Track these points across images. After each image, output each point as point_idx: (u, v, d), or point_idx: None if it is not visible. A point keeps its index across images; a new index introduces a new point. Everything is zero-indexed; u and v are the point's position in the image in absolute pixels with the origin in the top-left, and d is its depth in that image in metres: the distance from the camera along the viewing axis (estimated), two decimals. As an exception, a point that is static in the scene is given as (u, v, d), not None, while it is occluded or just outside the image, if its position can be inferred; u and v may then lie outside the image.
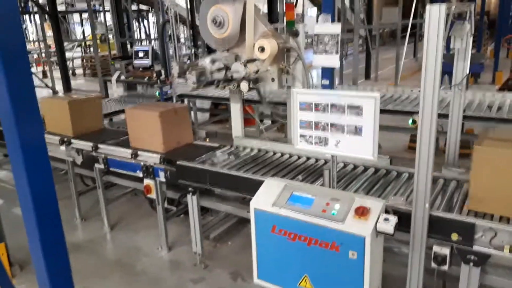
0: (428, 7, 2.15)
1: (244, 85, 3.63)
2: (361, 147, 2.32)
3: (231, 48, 3.80)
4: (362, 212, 2.20)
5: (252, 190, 2.97)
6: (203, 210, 4.28)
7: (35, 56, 19.00)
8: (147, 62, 7.96)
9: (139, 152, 3.85)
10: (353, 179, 3.15)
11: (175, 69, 3.97)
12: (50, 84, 11.66)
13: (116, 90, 8.49)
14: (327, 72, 3.67)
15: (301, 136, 2.55)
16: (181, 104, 3.96)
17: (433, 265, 2.42)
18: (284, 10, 3.28)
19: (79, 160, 4.38)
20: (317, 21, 3.68)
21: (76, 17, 26.66)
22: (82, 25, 22.73)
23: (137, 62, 8.10)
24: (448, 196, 2.76)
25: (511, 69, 8.56)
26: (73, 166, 4.70)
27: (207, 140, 4.39)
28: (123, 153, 3.96)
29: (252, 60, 3.62)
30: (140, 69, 8.06)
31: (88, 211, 5.10)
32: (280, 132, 7.82)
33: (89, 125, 4.68)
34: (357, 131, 2.32)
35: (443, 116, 3.41)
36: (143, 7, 17.78)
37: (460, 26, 2.76)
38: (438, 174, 3.00)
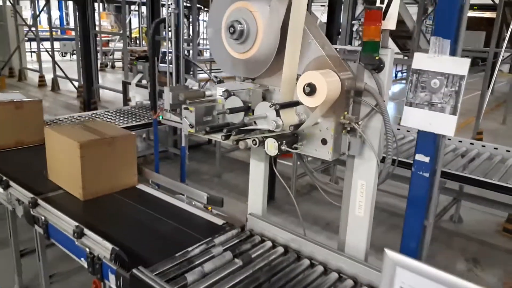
0: None
1: (272, 146, 2.03)
2: None
3: (258, 78, 2.22)
4: None
5: None
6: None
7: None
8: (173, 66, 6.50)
9: (85, 231, 2.32)
10: None
11: (167, 98, 2.44)
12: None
13: (134, 96, 7.15)
14: (427, 141, 1.98)
15: None
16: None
17: None
18: (362, 23, 1.58)
19: (20, 212, 2.94)
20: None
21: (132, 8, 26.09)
22: (139, 16, 21.92)
23: (162, 65, 6.67)
24: None
25: None
26: (15, 216, 3.21)
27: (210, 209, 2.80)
28: (65, 223, 2.44)
29: (293, 104, 2.01)
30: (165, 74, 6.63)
31: (35, 277, 3.33)
32: (328, 175, 6.10)
33: (20, 139, 3.75)
34: None
35: None
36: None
37: None
38: None
